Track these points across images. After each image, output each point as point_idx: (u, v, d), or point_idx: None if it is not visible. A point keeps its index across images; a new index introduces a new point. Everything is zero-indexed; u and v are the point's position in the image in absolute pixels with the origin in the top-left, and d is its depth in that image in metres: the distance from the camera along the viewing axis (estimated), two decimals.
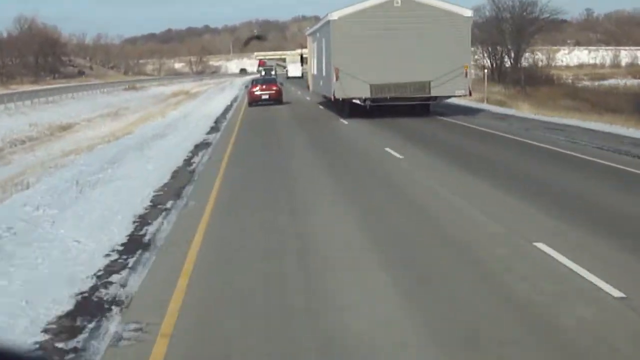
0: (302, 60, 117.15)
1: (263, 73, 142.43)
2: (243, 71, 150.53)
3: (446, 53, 27.35)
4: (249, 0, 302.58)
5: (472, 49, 41.90)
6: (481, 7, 63.01)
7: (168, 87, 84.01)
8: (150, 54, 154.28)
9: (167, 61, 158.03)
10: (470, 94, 28.48)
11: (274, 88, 41.25)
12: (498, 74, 59.28)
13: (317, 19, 65.21)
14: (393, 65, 27.23)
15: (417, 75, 27.34)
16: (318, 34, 35.24)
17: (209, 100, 50.79)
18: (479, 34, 61.47)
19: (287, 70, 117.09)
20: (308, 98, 45.79)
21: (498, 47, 61.36)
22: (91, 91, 65.83)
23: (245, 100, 41.89)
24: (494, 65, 61.18)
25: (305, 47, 54.37)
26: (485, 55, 61.70)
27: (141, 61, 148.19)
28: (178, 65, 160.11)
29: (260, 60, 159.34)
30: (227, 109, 39.64)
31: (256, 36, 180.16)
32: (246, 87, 52.46)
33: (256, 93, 40.71)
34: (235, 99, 50.53)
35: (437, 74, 27.28)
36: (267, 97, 40.33)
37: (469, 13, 27.92)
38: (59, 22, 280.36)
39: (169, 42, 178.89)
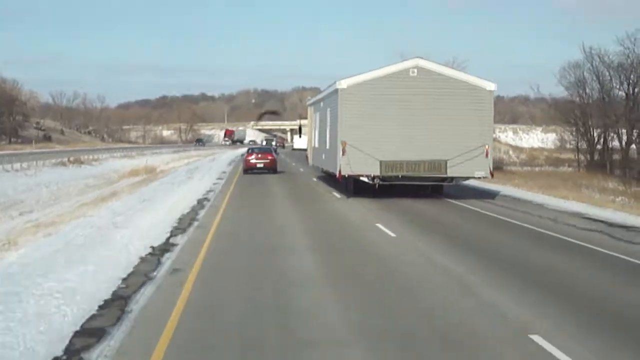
0: (300, 131, 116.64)
1: (229, 143, 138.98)
2: (199, 142, 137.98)
3: (466, 130, 25.21)
4: (247, 70, 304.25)
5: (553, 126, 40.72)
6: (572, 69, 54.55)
7: (133, 161, 65.30)
8: (135, 120, 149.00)
9: (155, 128, 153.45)
10: (492, 176, 26.13)
11: (269, 157, 43.54)
12: (602, 162, 50.35)
13: (317, 90, 63.72)
14: (406, 141, 25.05)
15: (432, 153, 25.11)
16: (322, 104, 33.16)
17: (172, 189, 29.58)
18: (566, 105, 55.94)
19: (293, 142, 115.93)
20: (302, 169, 44.02)
21: (587, 126, 52.33)
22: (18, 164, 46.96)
23: (229, 194, 27.69)
24: (590, 149, 52.73)
25: (304, 118, 52.58)
26: (580, 136, 53.07)
27: (126, 127, 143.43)
28: (166, 133, 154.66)
29: (226, 130, 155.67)
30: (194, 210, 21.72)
31: (271, 111, 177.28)
32: (229, 165, 50.09)
33: (251, 161, 43.09)
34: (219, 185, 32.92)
35: (454, 153, 25.06)
36: (262, 165, 42.65)
37: (492, 87, 25.83)
38: (53, 85, 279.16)
39: (163, 108, 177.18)
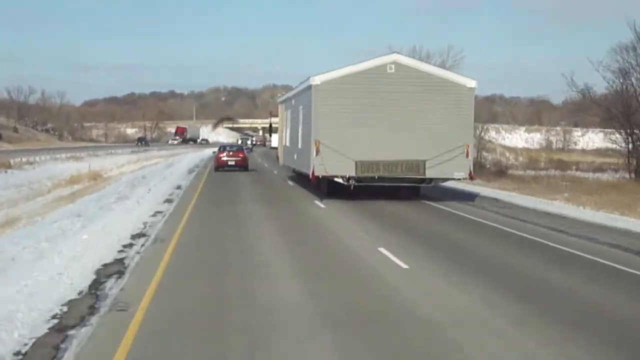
0: (271, 130, 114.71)
1: (177, 142, 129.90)
2: (141, 141, 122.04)
3: (445, 129, 24.33)
4: (217, 68, 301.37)
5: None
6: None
7: (81, 164, 54.96)
8: (99, 118, 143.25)
9: (118, 126, 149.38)
10: (471, 178, 25.25)
11: (240, 155, 45.00)
12: None
13: (289, 88, 62.04)
14: (383, 140, 24.11)
15: (410, 153, 24.19)
16: (294, 101, 32.11)
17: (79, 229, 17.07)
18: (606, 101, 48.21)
19: (271, 141, 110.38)
20: (276, 172, 42.65)
21: None
22: None
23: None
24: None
25: (275, 116, 51.48)
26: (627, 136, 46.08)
27: (87, 124, 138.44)
28: (130, 131, 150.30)
29: (177, 127, 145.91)
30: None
31: (227, 118, 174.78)
32: (190, 172, 40.33)
33: (223, 158, 44.31)
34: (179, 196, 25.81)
35: (433, 153, 24.16)
36: (233, 163, 43.89)
37: (472, 84, 24.97)
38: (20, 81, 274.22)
39: (130, 106, 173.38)
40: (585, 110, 56.90)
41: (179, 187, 30.39)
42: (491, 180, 41.22)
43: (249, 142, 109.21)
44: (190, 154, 74.56)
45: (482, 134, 60.66)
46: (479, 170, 45.86)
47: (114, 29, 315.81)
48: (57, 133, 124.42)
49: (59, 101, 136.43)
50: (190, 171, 43.64)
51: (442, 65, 67.91)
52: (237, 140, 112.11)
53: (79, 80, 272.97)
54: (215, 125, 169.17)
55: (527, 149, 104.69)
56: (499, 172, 49.64)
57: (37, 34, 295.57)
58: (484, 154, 61.52)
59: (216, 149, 50.55)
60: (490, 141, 65.87)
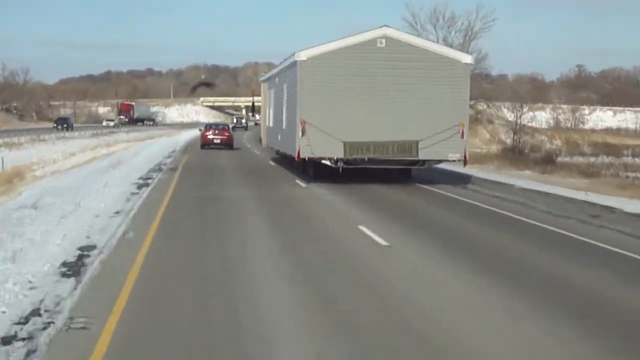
0: (254, 109, 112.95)
1: (113, 124, 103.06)
2: (61, 122, 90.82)
3: (439, 107, 23.28)
4: (196, 46, 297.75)
5: None
6: None
7: (19, 152, 43.65)
8: (68, 95, 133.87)
9: (90, 104, 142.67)
10: (465, 161, 24.12)
11: (226, 134, 46.75)
12: None
13: (272, 66, 60.15)
14: (373, 120, 23.01)
15: (402, 134, 23.12)
16: (277, 79, 30.91)
17: None
18: None
19: (256, 119, 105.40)
20: (258, 152, 41.43)
21: None
22: None
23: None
24: None
25: (258, 95, 50.30)
26: None
27: (55, 103, 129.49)
28: (102, 110, 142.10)
29: (122, 103, 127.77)
30: None
31: (205, 82, 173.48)
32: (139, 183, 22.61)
33: (209, 137, 46.03)
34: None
35: (426, 133, 23.11)
36: (218, 141, 45.64)
37: (468, 59, 23.97)
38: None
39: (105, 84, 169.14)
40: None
41: (115, 215, 15.19)
42: (545, 171, 33.03)
43: (243, 121, 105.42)
44: (160, 141, 58.83)
45: (517, 114, 53.74)
46: (520, 158, 41.59)
47: (92, 5, 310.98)
48: (18, 112, 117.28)
49: (23, 78, 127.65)
50: (144, 176, 25.87)
51: (468, 30, 65.02)
52: (234, 120, 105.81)
53: (54, 60, 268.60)
54: (193, 89, 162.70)
55: (534, 129, 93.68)
56: (546, 160, 40.91)
57: (8, 8, 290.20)
58: (524, 137, 53.17)
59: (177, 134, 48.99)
60: (525, 125, 55.94)
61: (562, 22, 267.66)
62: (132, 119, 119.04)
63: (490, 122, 76.59)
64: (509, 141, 55.16)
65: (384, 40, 23.36)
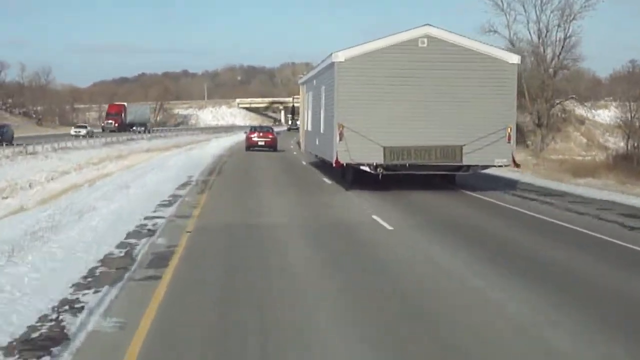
0: (294, 111, 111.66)
1: (79, 134, 74.24)
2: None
3: (484, 110, 22.39)
4: (232, 47, 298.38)
5: None
6: None
7: (37, 162, 38.38)
8: (95, 99, 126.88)
9: None
10: (514, 165, 23.26)
11: (270, 136, 48.55)
12: None
13: (309, 66, 58.53)
14: (414, 124, 22.19)
15: (445, 138, 22.27)
16: (315, 81, 30.22)
17: None
18: None
19: (295, 123, 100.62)
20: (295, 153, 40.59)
21: None
22: None
23: None
24: None
25: (298, 96, 49.85)
26: None
27: (80, 106, 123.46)
28: None
29: (110, 105, 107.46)
30: None
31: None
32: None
33: (253, 139, 47.86)
34: None
35: (471, 137, 22.23)
36: (263, 143, 47.58)
37: (515, 59, 22.98)
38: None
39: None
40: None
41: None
42: None
43: (298, 122, 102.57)
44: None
45: (632, 113, 43.48)
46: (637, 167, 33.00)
47: (120, 10, 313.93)
48: (37, 117, 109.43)
49: (44, 80, 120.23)
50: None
51: (565, 9, 56.13)
52: (288, 122, 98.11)
53: (87, 63, 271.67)
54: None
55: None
56: None
57: (42, 15, 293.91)
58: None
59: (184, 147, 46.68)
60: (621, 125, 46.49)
61: (610, 17, 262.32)
62: (122, 124, 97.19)
63: (582, 122, 72.09)
64: (609, 145, 48.65)
65: (425, 40, 22.51)
